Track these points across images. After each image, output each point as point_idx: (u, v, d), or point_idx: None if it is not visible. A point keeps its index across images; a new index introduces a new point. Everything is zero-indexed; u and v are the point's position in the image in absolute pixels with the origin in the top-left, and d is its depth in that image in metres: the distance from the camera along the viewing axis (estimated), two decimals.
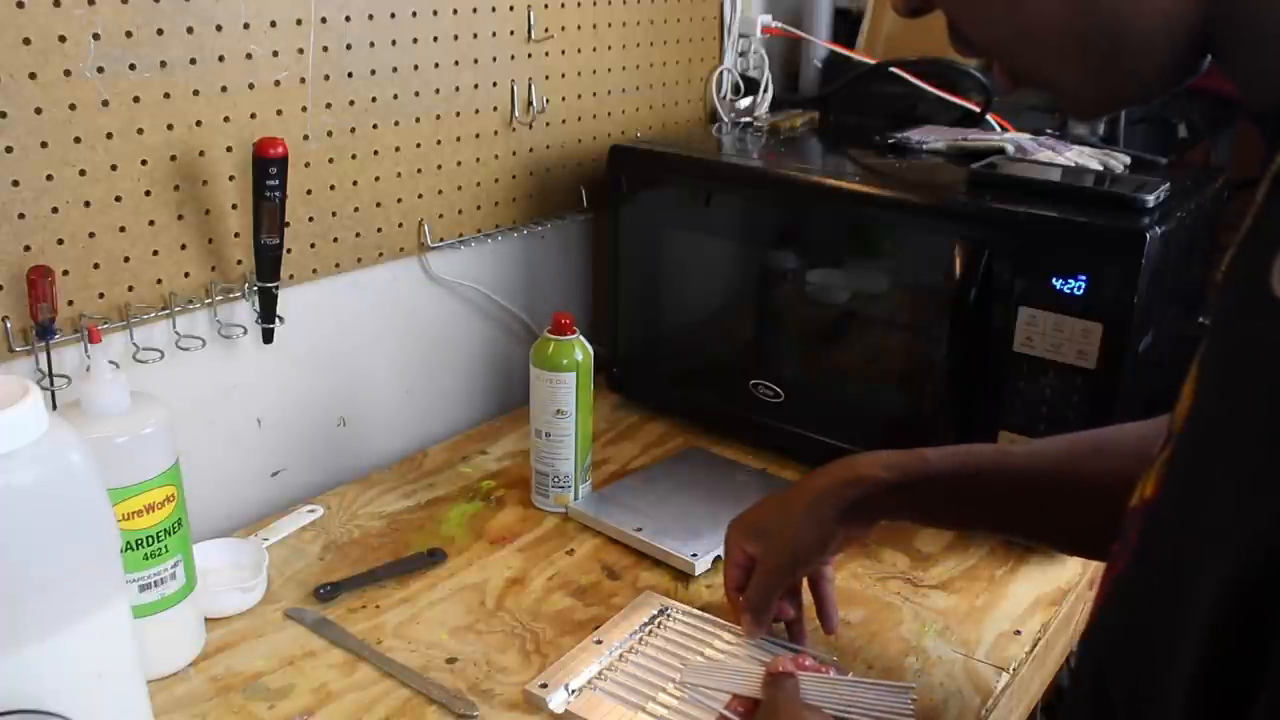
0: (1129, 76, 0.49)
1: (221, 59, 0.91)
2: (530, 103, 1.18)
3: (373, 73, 1.02)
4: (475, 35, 1.11)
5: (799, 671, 0.74)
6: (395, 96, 1.05)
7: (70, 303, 0.86)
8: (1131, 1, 0.47)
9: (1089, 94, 0.51)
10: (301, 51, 0.96)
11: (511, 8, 1.13)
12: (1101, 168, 1.04)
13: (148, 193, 0.89)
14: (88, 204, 0.85)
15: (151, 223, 0.90)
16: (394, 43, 1.03)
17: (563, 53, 1.21)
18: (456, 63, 1.10)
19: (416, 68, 1.06)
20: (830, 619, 0.84)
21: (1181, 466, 0.45)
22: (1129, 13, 0.47)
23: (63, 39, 0.80)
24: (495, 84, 1.14)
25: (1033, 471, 0.74)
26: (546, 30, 1.18)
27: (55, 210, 0.83)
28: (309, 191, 1.00)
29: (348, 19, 0.99)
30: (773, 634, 0.82)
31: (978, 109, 1.25)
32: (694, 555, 0.93)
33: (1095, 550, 0.75)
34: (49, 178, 0.82)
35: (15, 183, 0.81)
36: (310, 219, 1.01)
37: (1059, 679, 0.64)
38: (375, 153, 1.05)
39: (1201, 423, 0.44)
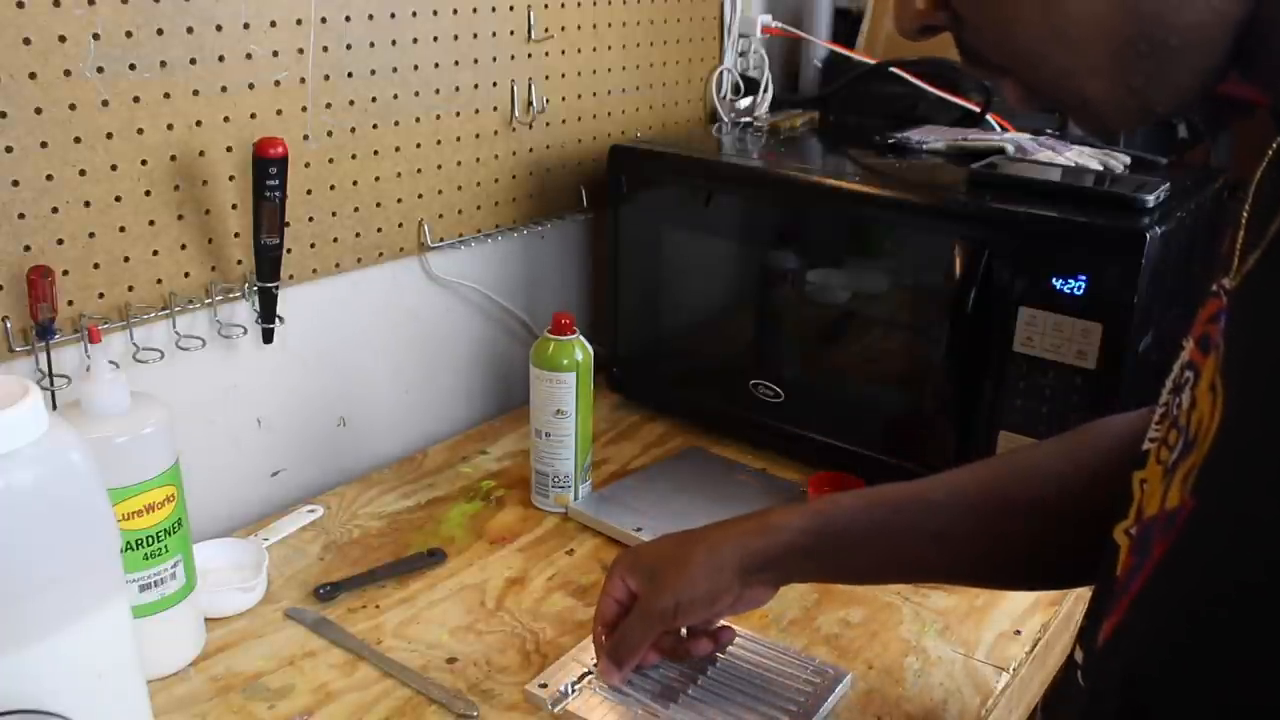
0: (1164, 83, 0.46)
1: (221, 59, 0.91)
2: (530, 103, 1.18)
3: (373, 73, 1.02)
4: (475, 35, 1.11)
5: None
6: (395, 96, 1.05)
7: (70, 303, 0.86)
8: (1181, 1, 0.44)
9: (1117, 105, 0.48)
10: (301, 51, 0.96)
11: (511, 8, 1.13)
12: (1101, 168, 1.04)
13: (148, 193, 0.89)
14: (88, 204, 0.85)
15: (151, 223, 0.90)
16: (394, 43, 1.03)
17: (563, 53, 1.21)
18: (456, 63, 1.10)
19: (416, 68, 1.06)
20: (656, 661, 0.78)
21: (1216, 484, 0.43)
22: (1176, 12, 0.44)
23: (63, 39, 0.80)
24: (495, 84, 1.14)
25: (957, 506, 0.69)
26: (546, 30, 1.18)
27: (55, 210, 0.83)
28: (309, 191, 1.00)
29: (348, 19, 0.99)
30: (626, 682, 0.77)
31: (978, 109, 1.25)
32: None
33: (1034, 581, 0.75)
34: (49, 178, 0.82)
35: (15, 183, 0.81)
36: (310, 219, 1.01)
37: (1059, 678, 0.64)
38: (375, 153, 1.05)
39: (1239, 434, 0.42)
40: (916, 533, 0.70)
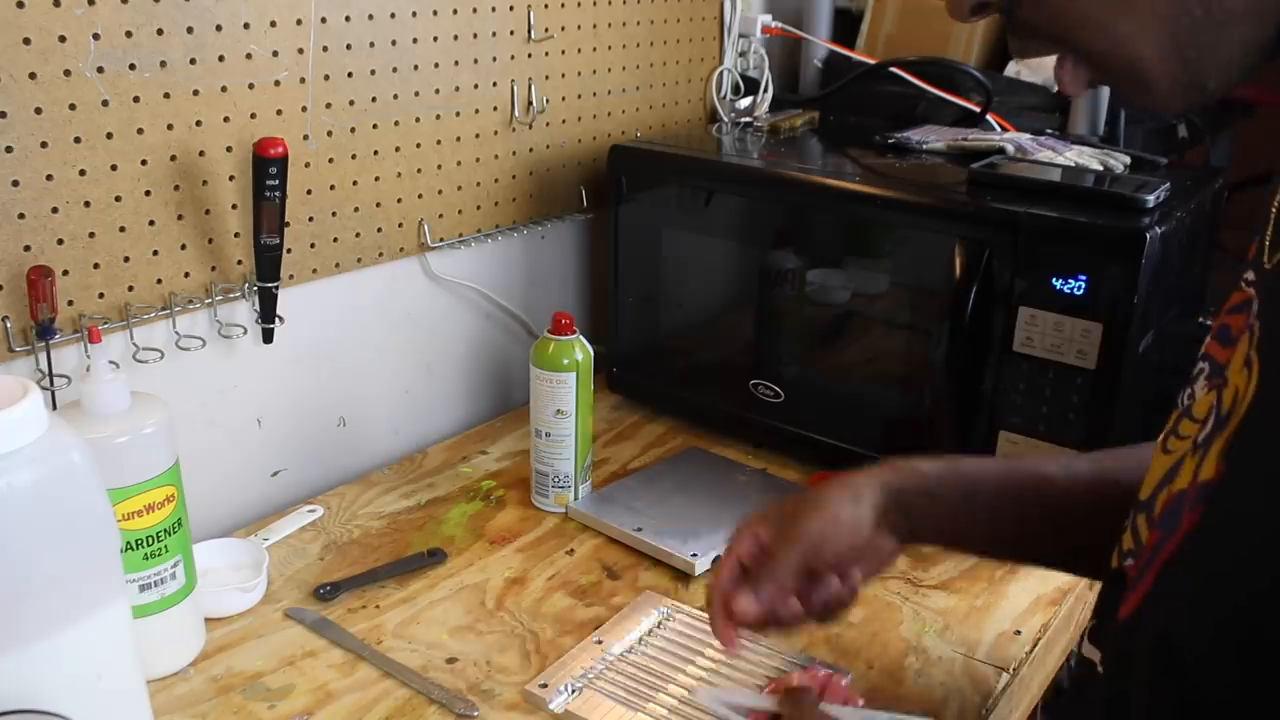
0: (1215, 55, 0.48)
1: (221, 59, 0.91)
2: (530, 103, 1.18)
3: (373, 73, 1.02)
4: (475, 35, 1.11)
5: (824, 705, 0.70)
6: (395, 96, 1.05)
7: (70, 303, 0.86)
8: None
9: (1171, 77, 0.48)
10: (301, 51, 0.96)
11: (511, 8, 1.13)
12: (1101, 168, 1.04)
13: (148, 193, 0.89)
14: (88, 204, 0.85)
15: (151, 223, 0.90)
16: (394, 43, 1.03)
17: (563, 53, 1.21)
18: (456, 63, 1.10)
19: (416, 68, 1.06)
20: (799, 611, 0.71)
21: (1246, 452, 0.45)
22: None
23: (63, 39, 0.80)
24: (495, 84, 1.14)
25: (1075, 493, 0.68)
26: (546, 30, 1.18)
27: (55, 210, 0.83)
28: (309, 191, 1.00)
29: (348, 19, 0.99)
30: (753, 640, 0.75)
31: (978, 109, 1.25)
32: (694, 555, 0.93)
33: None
34: (49, 178, 0.82)
35: (15, 183, 0.81)
36: (310, 219, 1.01)
37: (1059, 678, 0.63)
38: (375, 153, 1.05)
39: (1273, 403, 0.45)
40: (1036, 510, 0.69)
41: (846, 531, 0.69)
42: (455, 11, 1.08)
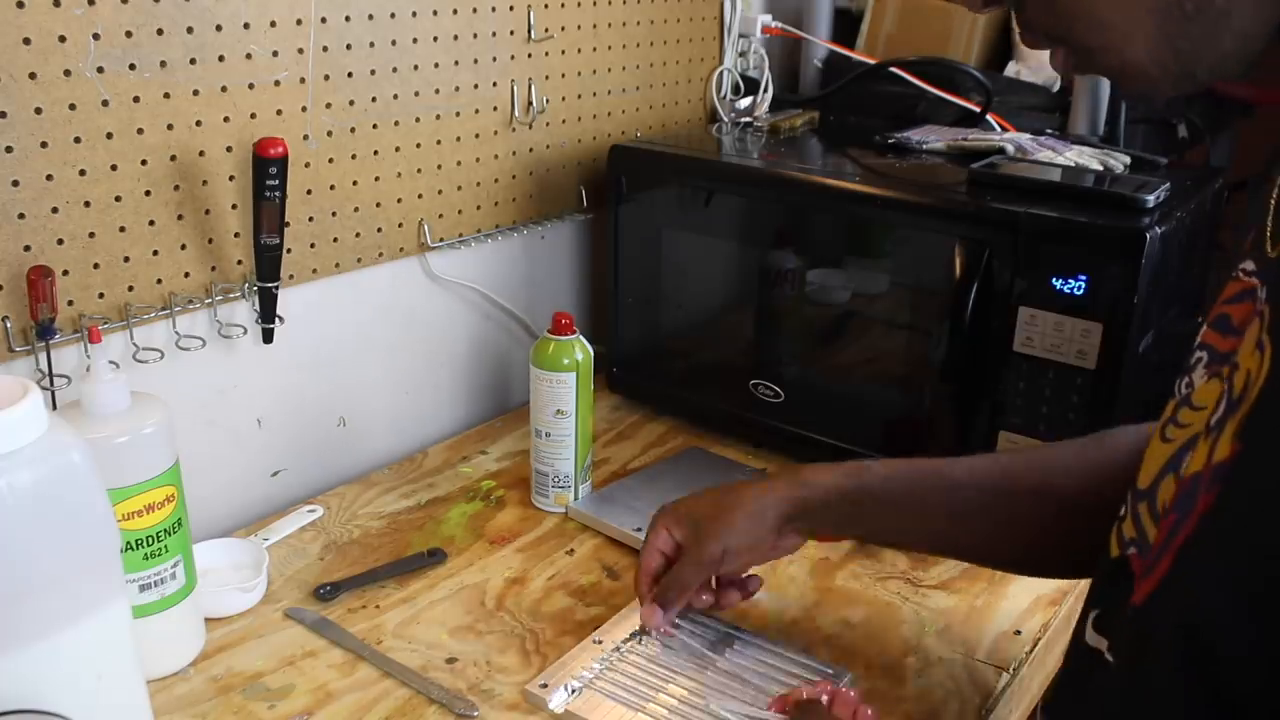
0: (1208, 47, 0.49)
1: (221, 59, 0.91)
2: (530, 103, 1.18)
3: (373, 73, 1.02)
4: (475, 35, 1.11)
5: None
6: (395, 96, 1.05)
7: (70, 303, 0.86)
8: None
9: (1162, 68, 0.50)
10: (301, 51, 0.96)
11: (511, 8, 1.13)
12: (1101, 168, 1.04)
13: (148, 193, 0.89)
14: (88, 204, 0.85)
15: (151, 223, 0.90)
16: (394, 43, 1.03)
17: (563, 53, 1.21)
18: (456, 63, 1.10)
19: (416, 68, 1.06)
20: (711, 602, 0.83)
21: (1263, 429, 0.46)
22: None
23: (63, 39, 0.80)
24: (495, 84, 1.14)
25: (975, 485, 0.74)
26: (546, 30, 1.18)
27: (55, 210, 0.83)
28: (309, 191, 1.00)
29: (348, 19, 0.99)
30: (672, 626, 0.82)
31: (978, 109, 1.25)
32: None
33: (1035, 567, 0.79)
34: (49, 178, 0.82)
35: (15, 183, 0.81)
36: (310, 219, 1.01)
37: (1059, 677, 0.64)
38: (375, 153, 1.05)
39: None
40: (936, 506, 0.75)
41: (749, 550, 0.79)
42: (455, 11, 1.08)
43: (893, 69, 1.30)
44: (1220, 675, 0.47)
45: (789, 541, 0.79)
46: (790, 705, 0.73)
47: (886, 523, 0.77)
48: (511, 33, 1.14)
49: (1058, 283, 0.89)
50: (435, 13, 1.06)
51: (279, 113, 0.96)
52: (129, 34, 0.84)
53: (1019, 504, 0.72)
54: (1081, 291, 0.88)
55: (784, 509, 0.77)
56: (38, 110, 0.81)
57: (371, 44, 1.01)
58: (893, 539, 0.84)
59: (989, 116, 1.24)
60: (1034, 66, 1.35)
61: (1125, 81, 0.52)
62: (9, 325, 0.83)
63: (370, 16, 1.01)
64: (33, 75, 0.80)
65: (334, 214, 1.03)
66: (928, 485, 0.76)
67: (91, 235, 0.86)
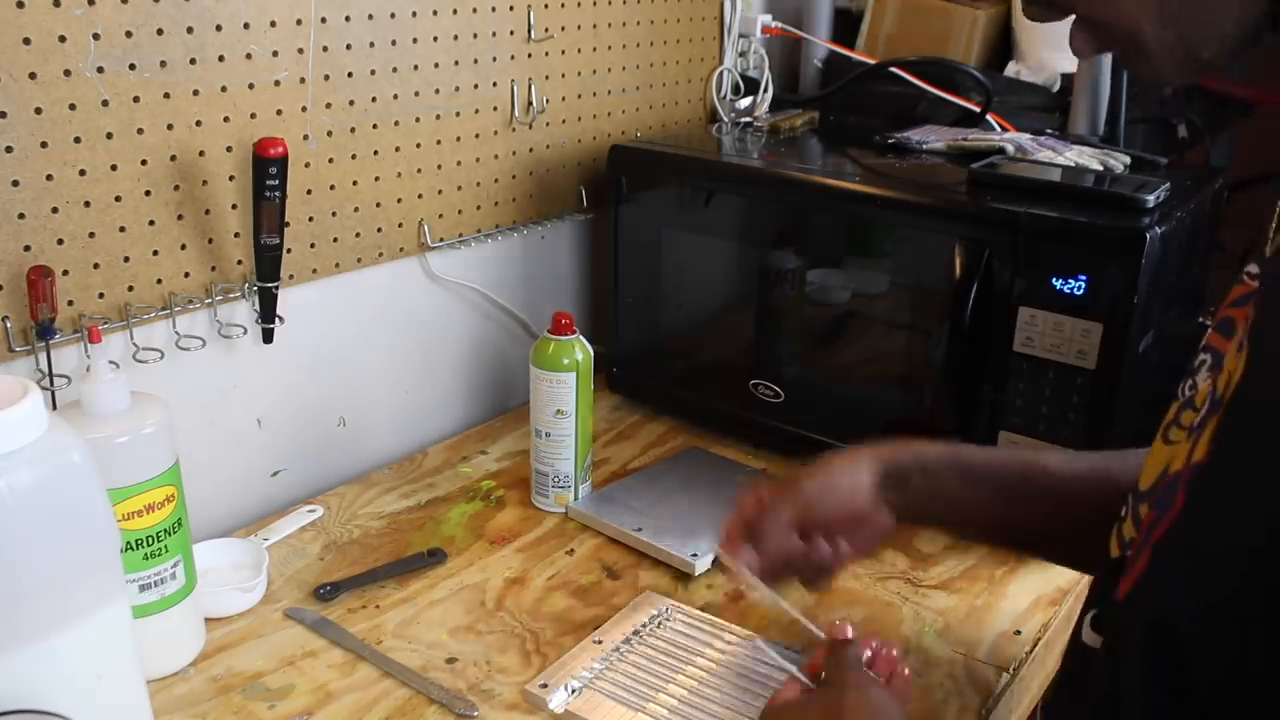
0: (1210, 28, 0.51)
1: (221, 59, 0.91)
2: (530, 103, 1.18)
3: (373, 73, 1.02)
4: (475, 35, 1.11)
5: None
6: (395, 96, 1.05)
7: (70, 303, 0.86)
8: None
9: (1168, 49, 0.52)
10: (301, 51, 0.96)
11: (511, 8, 1.13)
12: (1101, 168, 1.04)
13: (148, 193, 0.89)
14: (88, 204, 0.85)
15: (151, 223, 0.90)
16: (394, 43, 1.03)
17: (563, 53, 1.21)
18: (456, 63, 1.10)
19: (416, 68, 1.06)
20: (803, 549, 0.76)
21: (1233, 434, 0.47)
22: None
23: (63, 39, 0.80)
24: (495, 84, 1.14)
25: (1076, 477, 0.72)
26: (546, 30, 1.18)
27: (55, 210, 0.83)
28: (309, 191, 1.00)
29: (348, 19, 0.99)
30: (756, 575, 0.75)
31: (978, 109, 1.25)
32: (694, 555, 0.93)
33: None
34: (49, 178, 0.82)
35: (15, 183, 0.81)
36: (310, 219, 1.01)
37: (1059, 677, 0.64)
38: (375, 153, 1.05)
39: (1254, 394, 0.46)
40: (1040, 493, 0.73)
41: (841, 495, 0.74)
42: (455, 11, 1.08)
43: (893, 69, 1.30)
44: (1182, 672, 0.48)
45: (882, 516, 0.75)
46: (826, 646, 0.71)
47: (981, 503, 0.74)
48: (511, 33, 1.14)
49: (1058, 283, 0.89)
50: (435, 13, 1.06)
51: (279, 113, 0.96)
52: (129, 34, 0.84)
53: (1115, 511, 0.69)
54: (1081, 291, 0.88)
55: (879, 466, 0.74)
56: (38, 110, 0.81)
57: (371, 44, 1.01)
58: (982, 523, 0.78)
59: (989, 116, 1.24)
60: (1034, 66, 1.35)
61: (1135, 62, 0.54)
62: (9, 325, 0.83)
63: (370, 16, 1.01)
64: (33, 75, 0.80)
65: (334, 214, 1.03)
66: (1032, 471, 0.73)
67: (91, 235, 0.86)
